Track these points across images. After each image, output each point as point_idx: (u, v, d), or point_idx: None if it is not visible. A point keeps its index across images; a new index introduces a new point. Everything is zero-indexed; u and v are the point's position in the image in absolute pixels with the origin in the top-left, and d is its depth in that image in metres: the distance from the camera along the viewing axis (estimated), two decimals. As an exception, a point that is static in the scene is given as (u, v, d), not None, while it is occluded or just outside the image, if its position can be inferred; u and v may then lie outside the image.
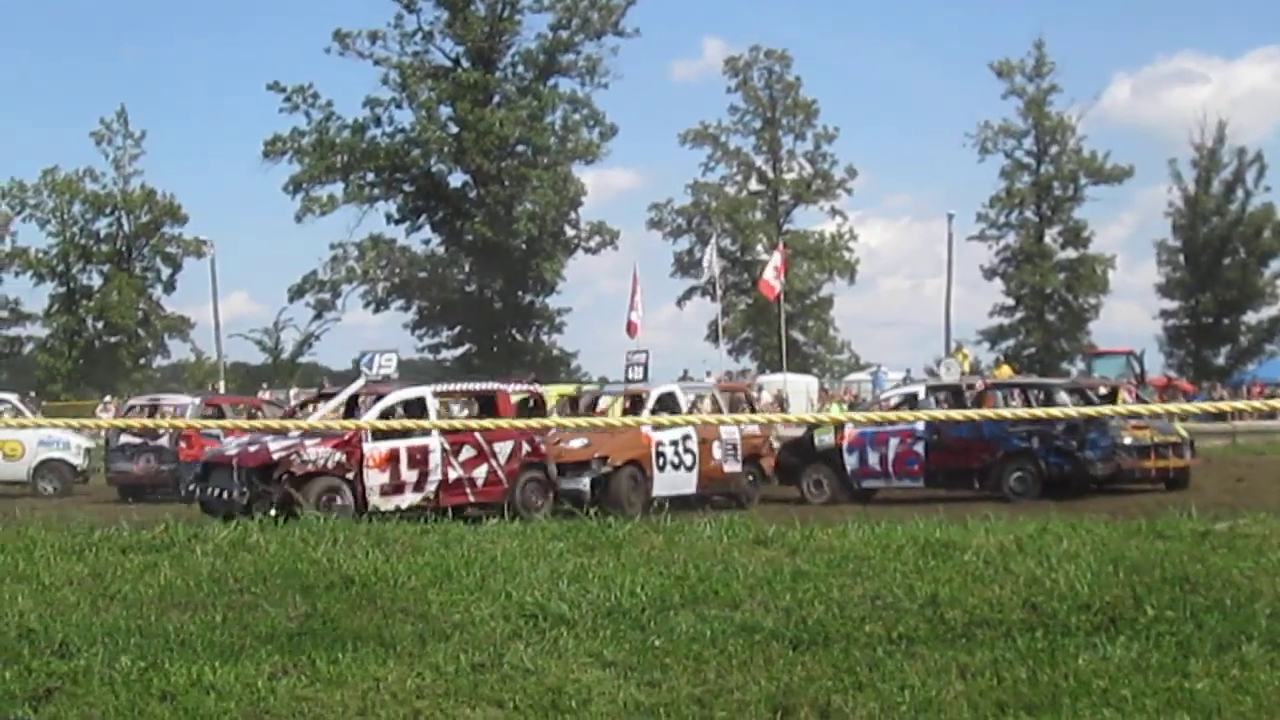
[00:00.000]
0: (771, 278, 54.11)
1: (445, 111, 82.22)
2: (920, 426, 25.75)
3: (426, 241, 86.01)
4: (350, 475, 22.23)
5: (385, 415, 23.24)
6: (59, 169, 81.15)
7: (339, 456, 22.14)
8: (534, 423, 22.46)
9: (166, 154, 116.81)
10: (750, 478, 27.57)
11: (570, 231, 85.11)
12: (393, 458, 22.64)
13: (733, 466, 26.91)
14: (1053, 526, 13.36)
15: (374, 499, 22.25)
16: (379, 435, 22.31)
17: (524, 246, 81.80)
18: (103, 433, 31.15)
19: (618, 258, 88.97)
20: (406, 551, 12.53)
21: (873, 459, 27.19)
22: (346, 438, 22.30)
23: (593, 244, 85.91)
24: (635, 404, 27.91)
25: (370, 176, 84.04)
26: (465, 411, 29.65)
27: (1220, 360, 76.67)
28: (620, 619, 9.48)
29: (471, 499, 23.49)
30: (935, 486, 26.49)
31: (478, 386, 27.81)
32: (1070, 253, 79.95)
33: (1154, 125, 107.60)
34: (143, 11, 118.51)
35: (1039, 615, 9.38)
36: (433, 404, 24.28)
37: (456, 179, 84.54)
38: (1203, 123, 76.89)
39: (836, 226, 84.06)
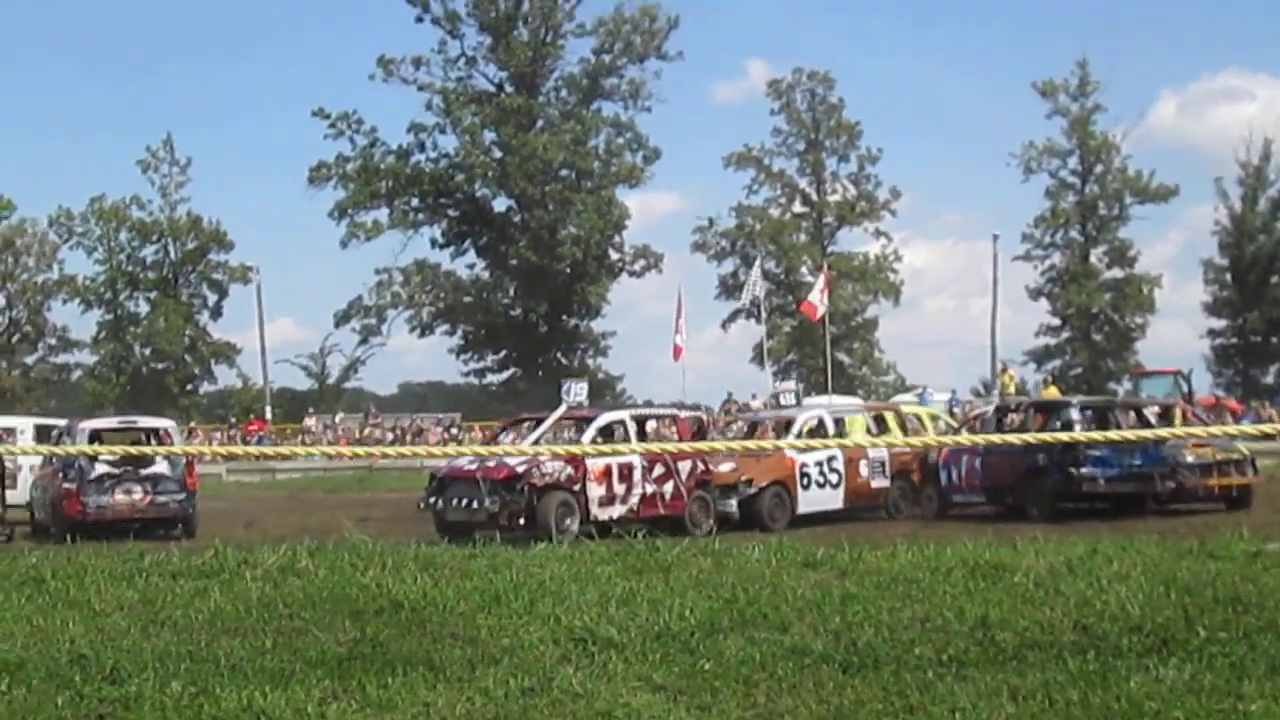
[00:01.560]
0: (815, 299, 54.09)
1: (489, 136, 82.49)
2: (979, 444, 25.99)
3: (471, 266, 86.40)
4: (577, 488, 24.32)
5: (600, 435, 25.69)
6: (106, 197, 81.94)
7: (569, 470, 24.19)
8: (702, 445, 22.79)
9: (212, 181, 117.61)
10: (900, 491, 28.53)
11: (614, 255, 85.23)
12: (608, 473, 24.67)
13: (881, 482, 28.08)
14: (1103, 548, 13.32)
15: (595, 509, 24.41)
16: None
17: (568, 270, 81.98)
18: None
19: (662, 281, 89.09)
20: (455, 576, 12.55)
21: (956, 475, 27.64)
22: (571, 454, 23.77)
23: (637, 267, 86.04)
24: (786, 428, 29.23)
25: (415, 202, 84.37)
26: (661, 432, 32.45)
27: (1269, 379, 76.25)
28: (669, 642, 9.46)
29: (662, 512, 25.15)
30: (993, 502, 26.96)
31: (658, 411, 31.53)
32: (1116, 272, 79.55)
33: (1200, 143, 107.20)
34: (187, 39, 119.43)
35: (1090, 637, 9.32)
36: (631, 425, 26.55)
37: (500, 203, 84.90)
38: (1249, 140, 76.65)
39: (881, 248, 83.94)
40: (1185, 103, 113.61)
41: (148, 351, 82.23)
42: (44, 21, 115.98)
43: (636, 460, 24.68)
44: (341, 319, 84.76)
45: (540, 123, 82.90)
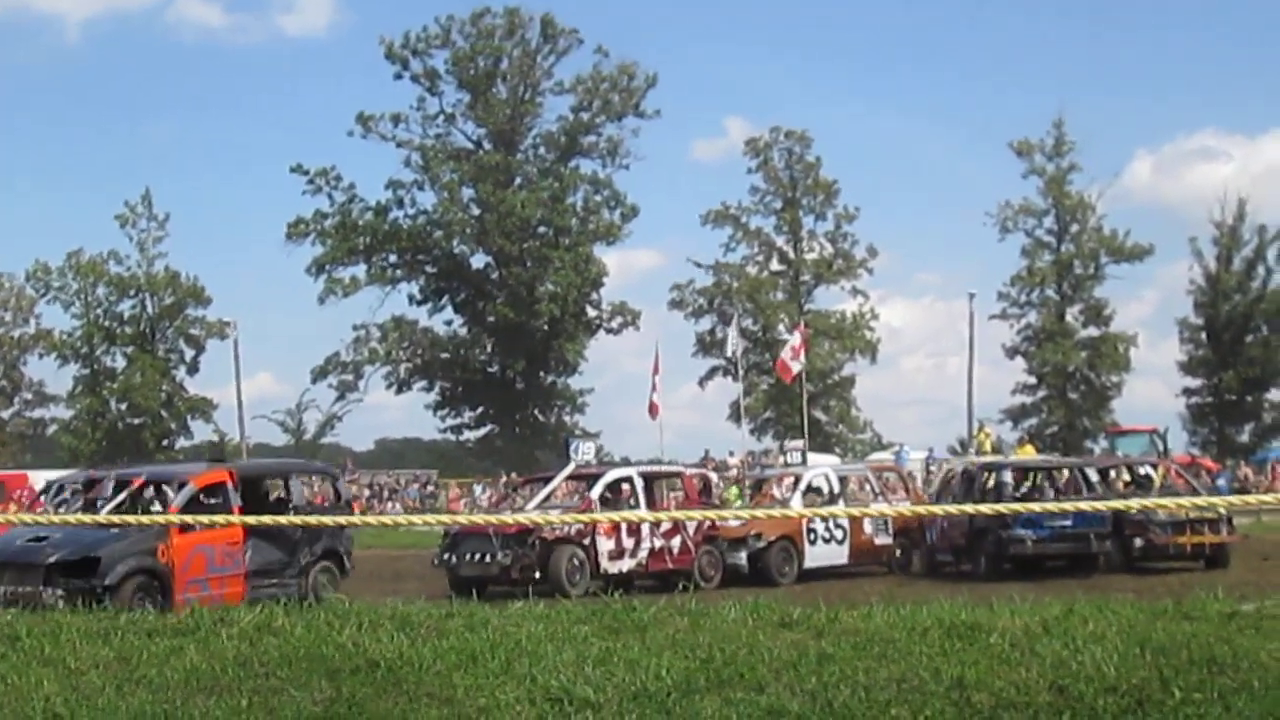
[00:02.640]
0: (789, 358, 54.11)
1: (467, 193, 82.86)
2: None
3: (449, 322, 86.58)
4: (586, 541, 24.94)
5: (608, 490, 26.50)
6: (83, 251, 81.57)
7: (579, 525, 24.36)
8: (712, 513, 23.44)
9: (190, 236, 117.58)
10: (900, 550, 29.33)
11: (592, 312, 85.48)
12: (617, 527, 25.20)
13: (884, 539, 28.89)
14: (1079, 608, 13.33)
15: (604, 563, 25.13)
16: (603, 506, 25.52)
17: (546, 327, 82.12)
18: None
19: (640, 338, 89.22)
20: (431, 635, 12.53)
21: (935, 534, 28.56)
22: (582, 508, 25.00)
23: (614, 324, 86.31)
24: (794, 485, 30.10)
25: (392, 258, 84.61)
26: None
27: (1244, 437, 76.41)
28: (646, 703, 9.45)
29: (670, 566, 25.96)
30: (957, 561, 28.02)
31: (665, 469, 31.93)
32: (1092, 331, 79.79)
33: (1175, 203, 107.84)
34: (166, 94, 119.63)
35: (1066, 698, 9.33)
36: (638, 482, 27.00)
37: (478, 260, 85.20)
38: (1224, 200, 77.08)
39: (858, 306, 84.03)
40: (1161, 162, 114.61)
41: (124, 406, 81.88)
42: (21, 75, 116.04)
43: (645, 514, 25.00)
44: (319, 375, 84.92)
45: (518, 180, 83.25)
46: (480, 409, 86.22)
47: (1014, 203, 79.51)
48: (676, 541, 26.11)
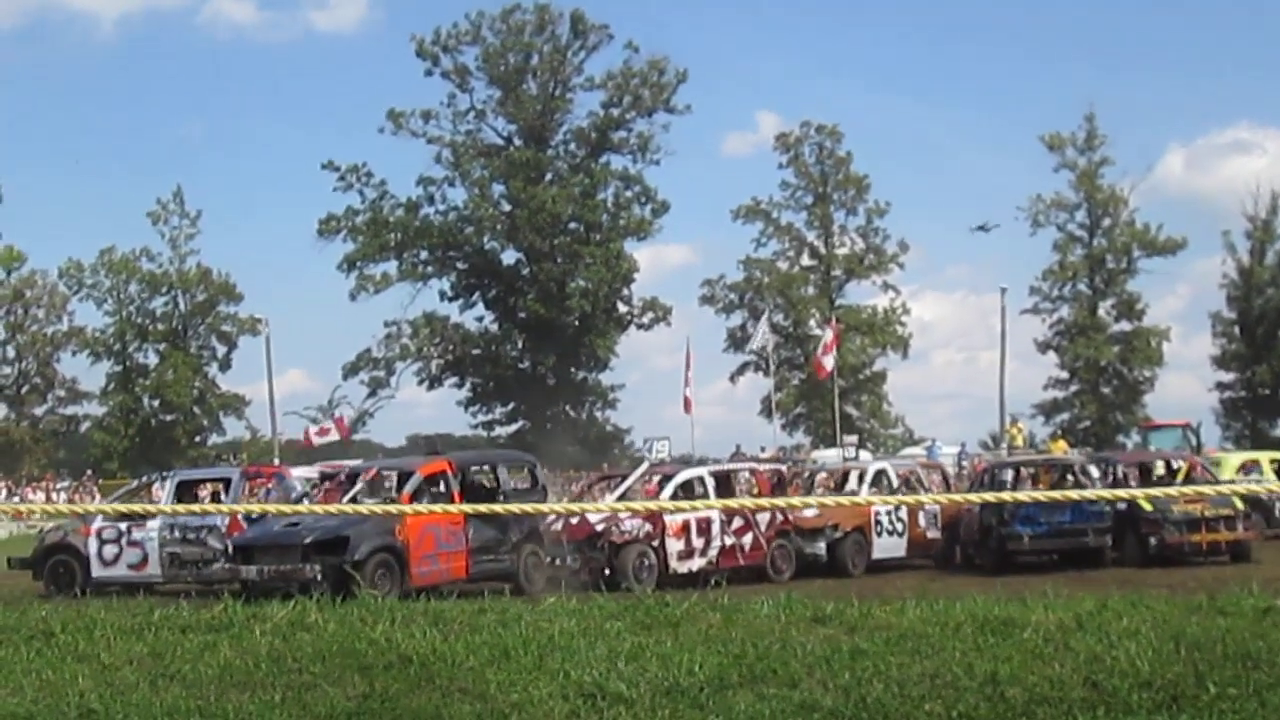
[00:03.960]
0: (822, 354, 54.11)
1: (498, 189, 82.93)
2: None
3: (480, 319, 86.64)
4: (655, 543, 24.87)
5: (681, 488, 26.34)
6: (116, 249, 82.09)
7: (647, 527, 24.72)
8: (780, 501, 24.97)
9: (222, 232, 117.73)
10: (947, 542, 29.34)
11: (623, 308, 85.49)
12: (686, 527, 25.18)
13: (934, 533, 28.93)
14: (1113, 603, 13.27)
15: (674, 563, 24.97)
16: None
17: (577, 323, 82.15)
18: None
19: (671, 333, 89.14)
20: (464, 630, 12.52)
21: (962, 529, 28.42)
22: (650, 510, 24.92)
23: (645, 320, 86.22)
24: (849, 478, 30.53)
25: (424, 254, 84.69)
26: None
27: (1277, 431, 76.05)
28: (679, 698, 9.44)
29: (741, 563, 25.85)
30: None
31: (737, 466, 31.96)
32: (1124, 325, 79.67)
33: (1208, 196, 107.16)
34: (197, 91, 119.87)
35: (1100, 693, 9.29)
36: (709, 481, 26.86)
37: (509, 256, 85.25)
38: (1257, 193, 76.78)
39: (889, 301, 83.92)
40: (1194, 156, 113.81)
41: (156, 403, 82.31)
42: (55, 72, 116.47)
43: (715, 514, 25.31)
44: (350, 371, 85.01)
45: (549, 176, 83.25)
46: (511, 405, 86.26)
47: (1046, 197, 79.46)
48: (748, 538, 26.09)
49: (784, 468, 31.38)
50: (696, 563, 25.31)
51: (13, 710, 9.49)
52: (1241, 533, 27.11)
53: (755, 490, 29.68)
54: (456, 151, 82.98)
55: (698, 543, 25.46)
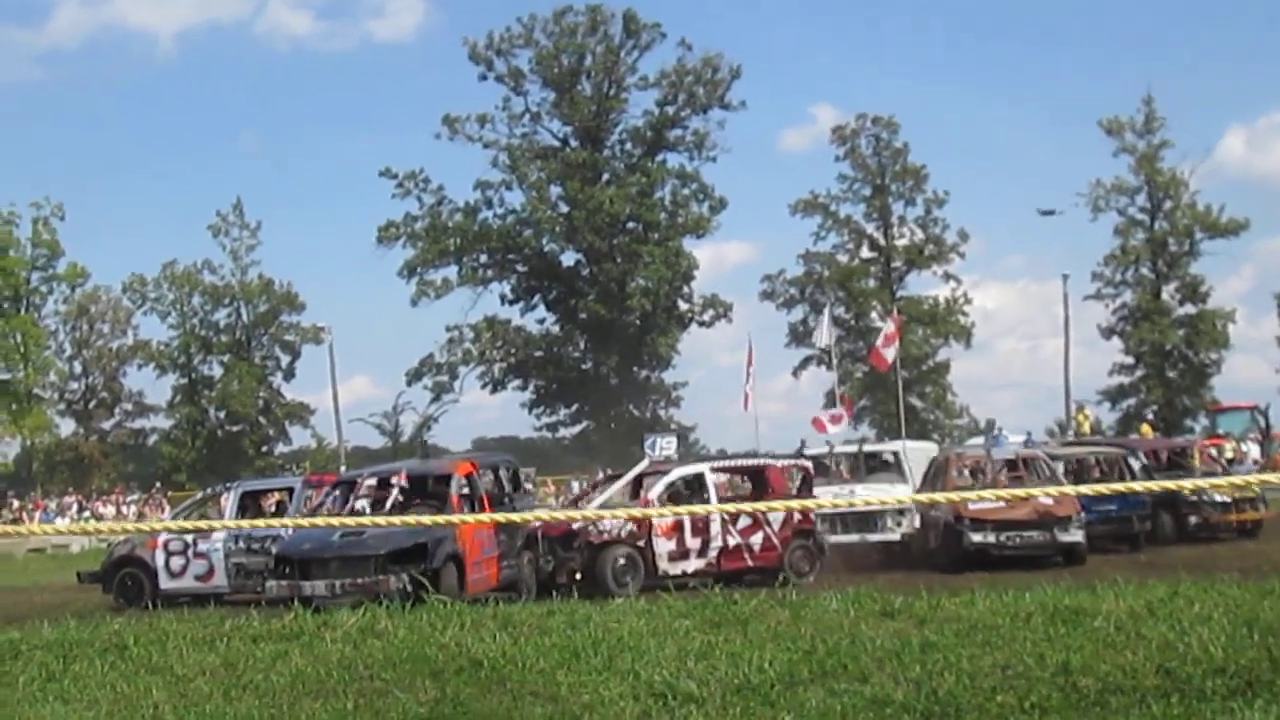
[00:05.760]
0: (882, 346, 53.84)
1: (555, 191, 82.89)
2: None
3: (541, 321, 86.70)
4: (641, 543, 23.97)
5: (670, 489, 25.32)
6: (178, 262, 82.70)
7: (630, 526, 23.69)
8: (809, 503, 24.55)
9: (282, 243, 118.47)
10: None
11: (683, 306, 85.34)
12: (678, 526, 24.18)
13: None
14: (1184, 589, 13.20)
15: (663, 564, 24.03)
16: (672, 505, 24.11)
17: (638, 322, 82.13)
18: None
19: (733, 330, 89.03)
20: (534, 633, 12.55)
21: None
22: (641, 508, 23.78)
23: (706, 317, 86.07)
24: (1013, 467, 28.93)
25: (483, 258, 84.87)
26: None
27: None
28: (750, 696, 9.44)
29: (750, 564, 24.79)
30: None
31: (750, 463, 29.07)
32: (1189, 308, 78.96)
33: (1271, 176, 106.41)
34: (255, 103, 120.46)
35: (1173, 681, 9.24)
36: (711, 479, 25.76)
37: (568, 258, 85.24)
38: (1318, 171, 76.09)
39: (950, 291, 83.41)
40: (1254, 136, 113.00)
41: (222, 414, 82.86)
42: (115, 90, 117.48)
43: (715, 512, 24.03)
44: (414, 377, 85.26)
45: (606, 176, 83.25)
46: (575, 406, 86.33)
47: (1106, 181, 78.83)
48: (758, 538, 24.90)
49: (808, 464, 29.21)
50: (693, 564, 24.31)
51: (89, 724, 9.58)
52: (1263, 512, 30.15)
53: (770, 491, 27.60)
54: (513, 154, 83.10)
55: (693, 543, 24.47)
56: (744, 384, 54.55)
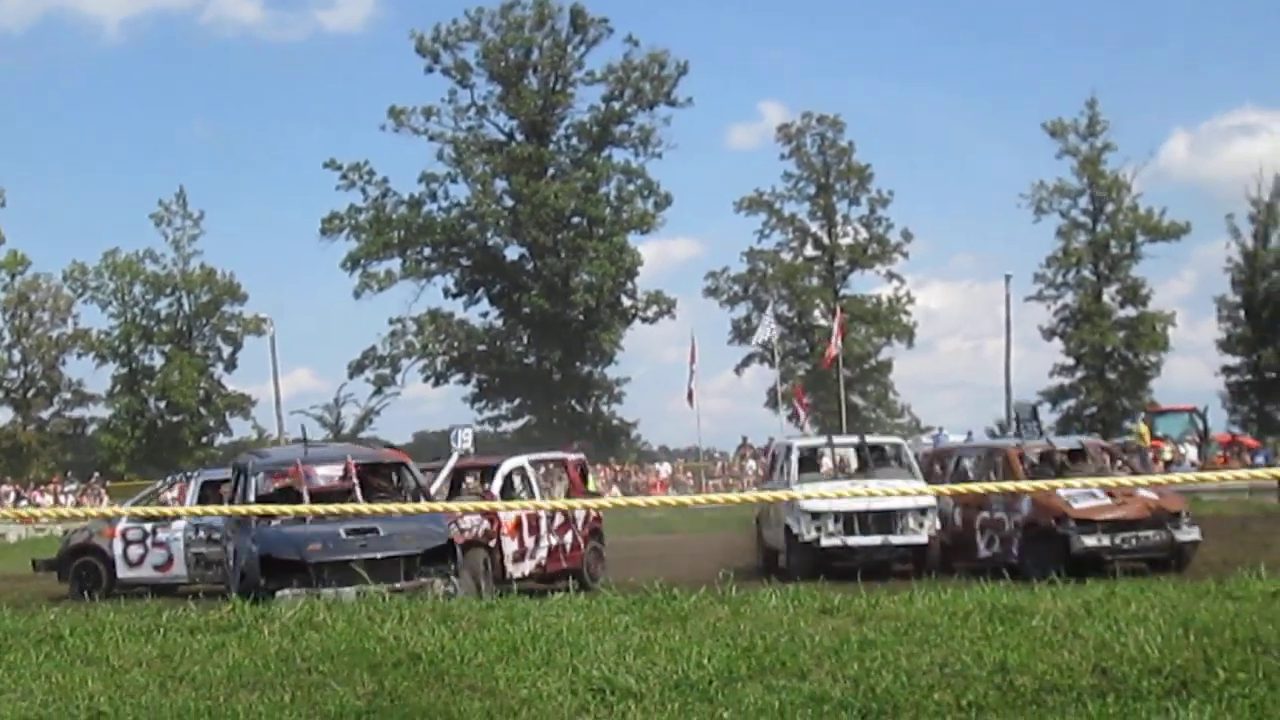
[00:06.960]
0: (835, 344, 54.10)
1: (500, 185, 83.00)
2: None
3: (484, 315, 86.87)
4: (492, 543, 22.36)
5: (505, 483, 23.85)
6: (119, 251, 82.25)
7: (486, 524, 22.17)
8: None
9: (225, 233, 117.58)
10: None
11: (627, 302, 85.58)
12: (519, 526, 22.83)
13: None
14: (1120, 590, 13.26)
15: (509, 565, 22.46)
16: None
17: (581, 317, 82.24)
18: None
19: (676, 326, 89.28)
20: (472, 627, 12.50)
21: None
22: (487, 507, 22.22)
23: (650, 313, 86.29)
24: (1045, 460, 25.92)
25: (427, 251, 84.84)
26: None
27: (1283, 414, 76.14)
28: (688, 692, 9.44)
29: (564, 566, 23.53)
30: None
31: (553, 456, 28.84)
32: (1129, 311, 79.56)
33: (1212, 180, 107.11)
34: (200, 92, 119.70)
35: (1109, 680, 9.29)
36: (531, 471, 24.76)
37: (513, 252, 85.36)
38: (1260, 177, 76.65)
39: (894, 290, 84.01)
40: (1197, 140, 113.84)
41: (163, 405, 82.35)
42: (59, 74, 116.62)
43: (543, 511, 23.18)
44: (356, 369, 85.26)
45: (551, 171, 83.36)
46: (517, 400, 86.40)
47: (1048, 183, 79.38)
48: (569, 538, 23.88)
49: (583, 457, 28.36)
50: (528, 565, 23.00)
51: (23, 714, 9.50)
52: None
53: (568, 485, 27.10)
54: (458, 148, 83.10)
55: (529, 543, 23.08)
56: (687, 380, 54.76)
